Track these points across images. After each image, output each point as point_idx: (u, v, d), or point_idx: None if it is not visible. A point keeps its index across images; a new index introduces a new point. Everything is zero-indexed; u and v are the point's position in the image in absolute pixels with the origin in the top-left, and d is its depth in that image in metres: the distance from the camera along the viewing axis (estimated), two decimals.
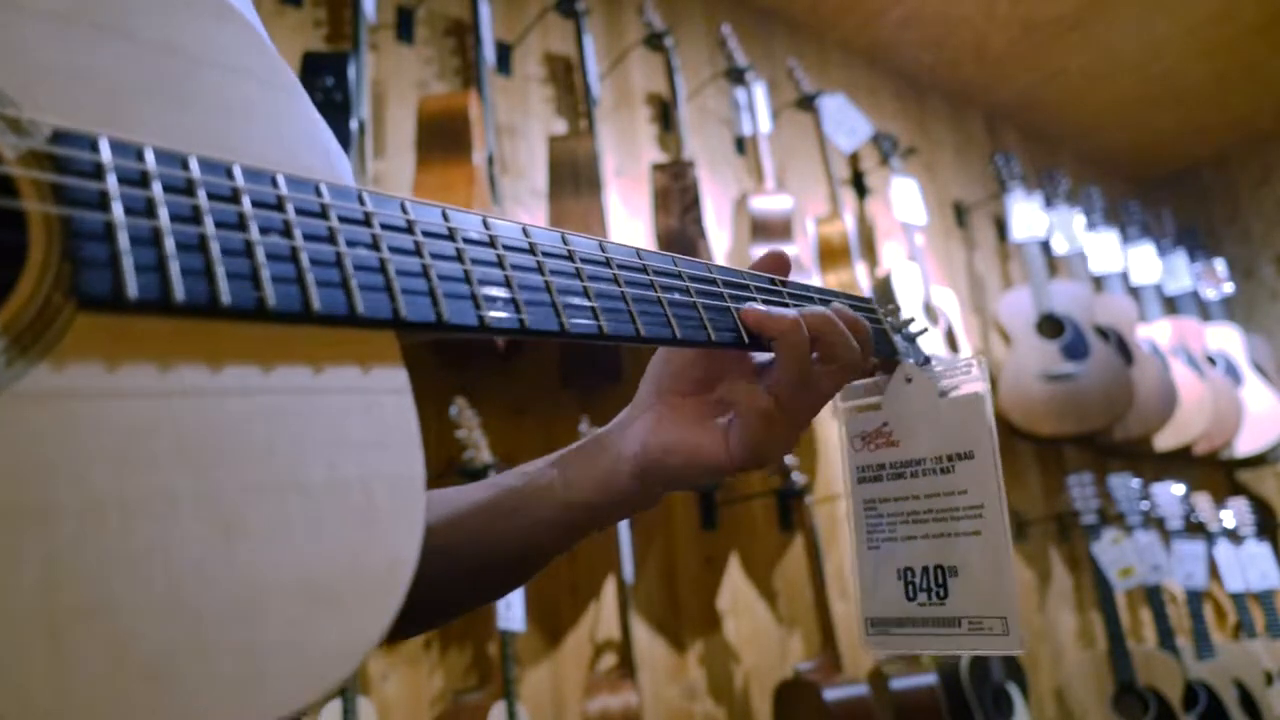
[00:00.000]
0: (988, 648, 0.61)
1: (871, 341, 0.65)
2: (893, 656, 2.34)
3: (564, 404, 2.19)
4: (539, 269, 0.52)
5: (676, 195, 2.34)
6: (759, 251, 2.48)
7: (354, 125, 1.85)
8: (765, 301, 0.63)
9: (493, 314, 0.48)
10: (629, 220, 2.51)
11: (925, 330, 0.75)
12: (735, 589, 2.42)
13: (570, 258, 0.54)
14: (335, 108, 1.84)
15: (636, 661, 2.02)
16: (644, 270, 0.58)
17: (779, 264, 0.67)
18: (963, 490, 0.64)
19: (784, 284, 0.67)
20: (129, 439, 0.35)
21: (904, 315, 0.74)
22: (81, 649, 0.31)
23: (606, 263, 0.56)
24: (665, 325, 0.56)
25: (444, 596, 0.64)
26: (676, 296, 0.58)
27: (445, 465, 1.89)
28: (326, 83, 1.85)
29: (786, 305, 0.64)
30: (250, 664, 0.34)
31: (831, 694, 2.13)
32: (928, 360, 0.70)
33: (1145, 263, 3.75)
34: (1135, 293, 3.69)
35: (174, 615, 0.33)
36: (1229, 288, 3.93)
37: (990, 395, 0.66)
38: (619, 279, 0.56)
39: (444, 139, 1.99)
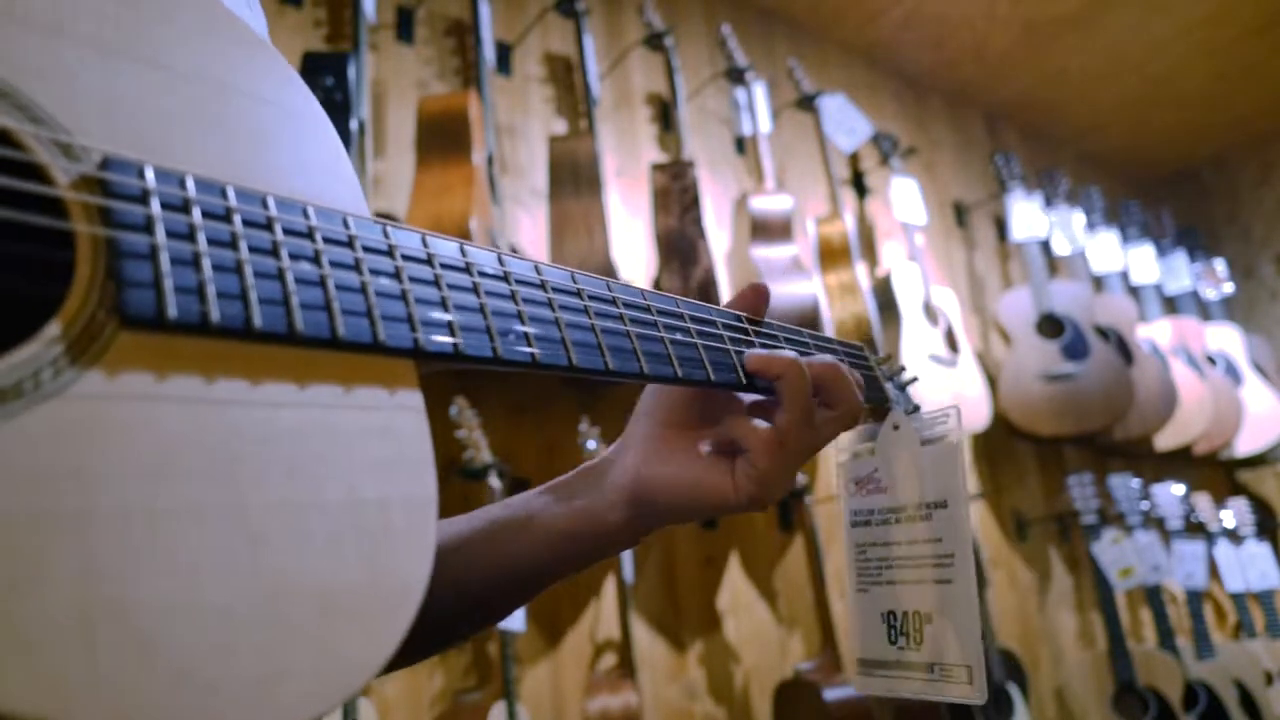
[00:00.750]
0: (953, 695, 0.63)
1: (863, 390, 0.66)
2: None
3: (564, 404, 2.19)
4: (549, 305, 0.54)
5: (676, 195, 2.33)
6: (759, 251, 2.50)
7: (354, 125, 1.85)
8: (763, 345, 0.65)
9: (508, 348, 0.50)
10: (629, 220, 2.51)
11: (916, 379, 0.76)
12: (735, 589, 2.43)
13: (580, 295, 0.57)
14: (335, 108, 1.83)
15: (636, 661, 2.02)
16: (648, 310, 0.61)
17: (757, 298, 0.67)
18: (938, 539, 0.66)
19: (780, 328, 0.68)
20: (170, 445, 0.37)
21: (896, 363, 0.76)
22: (114, 649, 0.32)
23: (613, 301, 0.59)
24: (668, 364, 0.59)
25: (436, 624, 0.64)
26: (678, 336, 0.61)
27: (445, 465, 1.89)
28: (326, 83, 1.85)
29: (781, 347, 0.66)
30: (271, 668, 0.36)
31: (831, 694, 2.13)
32: (917, 408, 0.72)
33: (1145, 263, 3.76)
34: (1135, 293, 3.69)
35: (202, 618, 0.35)
36: (1229, 288, 3.93)
37: (965, 445, 0.67)
38: (625, 318, 0.59)
39: (444, 139, 1.98)
